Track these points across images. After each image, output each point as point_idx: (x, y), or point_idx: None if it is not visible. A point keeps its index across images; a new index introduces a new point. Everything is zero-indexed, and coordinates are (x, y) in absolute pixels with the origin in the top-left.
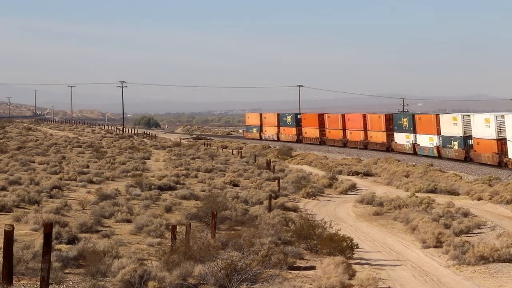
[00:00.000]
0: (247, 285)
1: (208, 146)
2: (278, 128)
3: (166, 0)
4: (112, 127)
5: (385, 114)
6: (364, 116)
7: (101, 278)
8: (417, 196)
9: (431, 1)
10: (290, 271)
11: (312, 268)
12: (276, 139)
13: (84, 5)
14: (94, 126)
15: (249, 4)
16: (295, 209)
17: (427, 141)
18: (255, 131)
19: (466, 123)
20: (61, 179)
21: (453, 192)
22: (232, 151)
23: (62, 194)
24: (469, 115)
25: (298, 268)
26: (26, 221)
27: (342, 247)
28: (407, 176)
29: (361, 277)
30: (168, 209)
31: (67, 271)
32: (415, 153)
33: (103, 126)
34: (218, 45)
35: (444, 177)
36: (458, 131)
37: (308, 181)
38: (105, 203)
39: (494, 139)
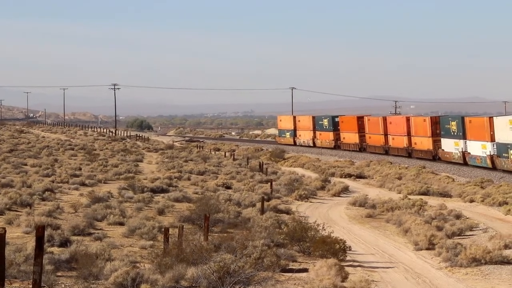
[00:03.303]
0: (239, 287)
1: (201, 149)
2: (314, 133)
3: (158, 1)
4: (105, 130)
5: (431, 117)
6: (408, 119)
7: (93, 281)
8: (409, 198)
9: (424, 2)
10: (282, 273)
11: (305, 270)
12: (311, 145)
13: (77, 6)
14: (87, 129)
15: (241, 5)
16: (287, 212)
17: (479, 149)
18: (288, 136)
19: None
20: (53, 181)
21: (445, 194)
22: (225, 154)
23: (55, 197)
24: None
25: (291, 271)
26: (18, 224)
27: (334, 249)
28: (399, 178)
29: (354, 280)
30: (161, 212)
31: (59, 274)
32: (465, 163)
33: (95, 129)
34: (211, 47)
35: (436, 179)
36: None
37: (301, 184)
38: (97, 206)
39: None
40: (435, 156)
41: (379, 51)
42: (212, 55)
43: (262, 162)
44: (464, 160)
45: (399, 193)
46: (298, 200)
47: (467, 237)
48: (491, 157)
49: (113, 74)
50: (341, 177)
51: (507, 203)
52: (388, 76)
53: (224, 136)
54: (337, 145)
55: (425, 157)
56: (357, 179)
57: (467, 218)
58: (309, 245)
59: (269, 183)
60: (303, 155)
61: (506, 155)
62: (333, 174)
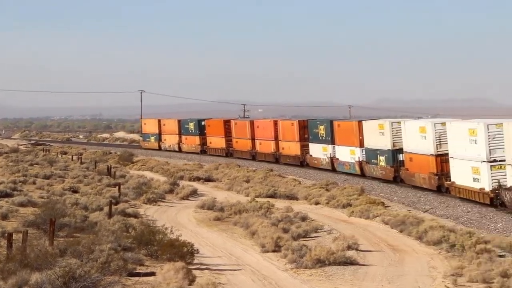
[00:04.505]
0: None
1: (47, 152)
2: (180, 137)
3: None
4: None
5: (299, 120)
6: (275, 123)
7: None
8: (257, 201)
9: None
10: (130, 277)
11: (152, 274)
12: (177, 149)
13: None
14: None
15: (88, 5)
16: (136, 215)
17: (348, 154)
18: (153, 140)
19: (395, 132)
20: None
21: (292, 197)
22: (72, 157)
23: None
24: (399, 122)
25: (138, 275)
26: None
27: (182, 252)
28: (247, 181)
29: (201, 282)
30: (4, 217)
31: None
32: (333, 169)
33: None
34: (58, 48)
35: (283, 182)
36: (385, 143)
37: (149, 187)
38: None
39: (432, 154)
40: (303, 162)
41: (227, 55)
42: (60, 57)
43: (110, 166)
44: (333, 166)
45: (247, 196)
46: (146, 203)
47: (312, 238)
48: (360, 163)
49: None
50: (190, 180)
51: (350, 205)
52: (236, 80)
53: (71, 139)
54: (204, 150)
55: (293, 162)
56: (206, 183)
57: (313, 220)
58: (157, 249)
59: (117, 187)
60: (152, 159)
61: (375, 161)
62: (181, 177)
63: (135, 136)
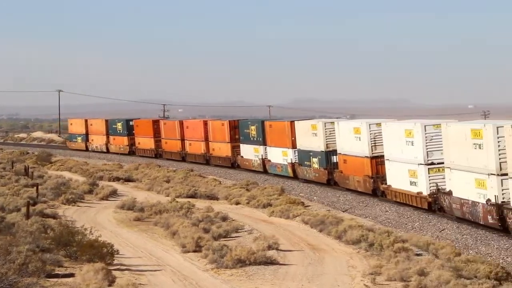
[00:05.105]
0: None
1: None
2: (108, 138)
3: None
4: None
5: (230, 121)
6: (205, 123)
7: None
8: (177, 201)
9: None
10: (48, 279)
11: (72, 275)
12: (105, 150)
13: None
14: None
15: (4, 5)
16: (54, 216)
17: (280, 156)
18: (80, 141)
19: (329, 133)
20: None
21: (212, 197)
22: None
23: None
24: (332, 122)
25: (57, 276)
26: None
27: (102, 253)
28: (168, 182)
29: (121, 283)
30: None
31: None
32: (265, 171)
33: None
34: None
35: (204, 182)
36: (318, 144)
37: (68, 187)
38: None
39: (367, 156)
40: (234, 163)
41: (146, 55)
42: None
43: (28, 166)
44: (264, 168)
45: (167, 196)
46: (65, 204)
47: (233, 238)
48: (293, 165)
49: None
50: (109, 180)
51: (271, 205)
52: (155, 80)
53: None
54: (132, 151)
55: (224, 164)
56: (126, 183)
57: (233, 220)
58: (76, 250)
59: (35, 187)
60: (71, 159)
61: (308, 163)
62: (101, 178)
63: (53, 136)
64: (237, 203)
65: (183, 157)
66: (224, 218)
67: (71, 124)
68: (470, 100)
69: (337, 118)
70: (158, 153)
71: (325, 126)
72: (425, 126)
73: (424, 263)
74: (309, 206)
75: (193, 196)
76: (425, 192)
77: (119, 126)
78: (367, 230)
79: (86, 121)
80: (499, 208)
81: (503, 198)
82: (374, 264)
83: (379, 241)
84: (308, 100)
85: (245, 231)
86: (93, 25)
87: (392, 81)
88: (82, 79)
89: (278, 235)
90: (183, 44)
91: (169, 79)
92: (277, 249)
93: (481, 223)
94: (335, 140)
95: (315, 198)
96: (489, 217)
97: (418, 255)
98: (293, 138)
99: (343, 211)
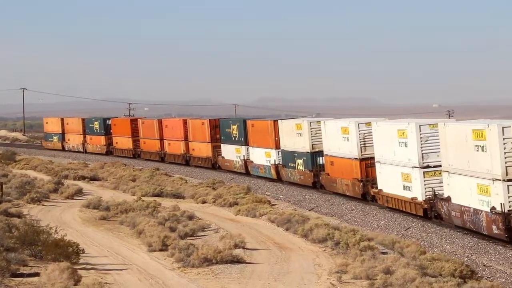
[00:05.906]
0: None
1: None
2: (84, 137)
3: None
4: None
5: (210, 120)
6: (185, 122)
7: None
8: (143, 200)
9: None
10: (13, 278)
11: (37, 274)
12: (82, 150)
13: None
14: None
15: None
16: (19, 215)
17: (263, 157)
18: (56, 140)
19: (315, 133)
20: None
21: (179, 196)
22: None
23: None
24: (319, 122)
25: (22, 275)
26: None
27: (67, 252)
28: (134, 180)
29: (87, 282)
30: None
31: None
32: (248, 173)
33: None
34: None
35: (170, 181)
36: (303, 145)
37: (33, 186)
38: None
39: (356, 158)
40: (214, 164)
41: (108, 53)
42: None
43: None
44: (247, 170)
45: (133, 195)
46: (30, 203)
47: (200, 237)
48: (276, 166)
49: None
50: (75, 179)
51: (237, 204)
52: (120, 78)
53: None
54: (110, 151)
55: (204, 165)
56: (91, 181)
57: (200, 219)
58: (41, 249)
59: None
60: (36, 157)
61: (292, 164)
62: (66, 177)
63: (18, 135)
64: (204, 202)
65: (162, 157)
66: (191, 217)
67: (46, 123)
68: (433, 100)
69: (302, 117)
70: (136, 153)
71: (310, 126)
72: (420, 126)
73: (390, 261)
74: (275, 204)
75: (159, 195)
76: (420, 198)
77: (96, 125)
78: (333, 229)
79: (62, 119)
80: (506, 217)
81: (510, 206)
82: (340, 262)
83: (345, 239)
84: (273, 99)
85: (212, 230)
86: (57, 23)
87: (358, 80)
88: (46, 77)
89: (244, 233)
90: (146, 43)
91: (131, 77)
92: (243, 247)
93: (485, 233)
94: (321, 141)
95: (281, 196)
96: (494, 226)
97: (383, 253)
98: (276, 138)
99: (309, 210)
